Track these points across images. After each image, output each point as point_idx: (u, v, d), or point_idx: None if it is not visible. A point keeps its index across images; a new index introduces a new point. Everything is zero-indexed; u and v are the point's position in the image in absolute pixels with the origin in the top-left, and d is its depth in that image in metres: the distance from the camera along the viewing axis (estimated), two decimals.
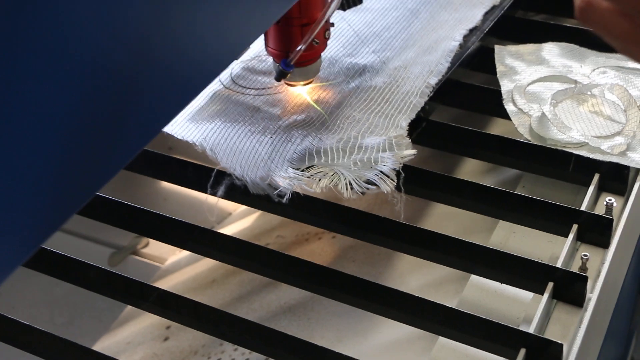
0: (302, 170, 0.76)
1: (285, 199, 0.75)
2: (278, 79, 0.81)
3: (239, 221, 1.13)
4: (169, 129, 0.82)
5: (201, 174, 0.80)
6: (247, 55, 0.92)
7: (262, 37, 0.84)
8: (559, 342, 0.64)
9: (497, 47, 0.96)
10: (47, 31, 0.40)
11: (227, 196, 0.79)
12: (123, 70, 0.45)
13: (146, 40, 0.47)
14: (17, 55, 0.38)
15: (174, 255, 1.14)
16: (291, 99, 0.86)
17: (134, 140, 0.49)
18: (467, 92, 0.91)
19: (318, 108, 0.83)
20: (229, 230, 1.11)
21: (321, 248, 0.98)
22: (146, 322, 1.00)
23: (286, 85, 0.87)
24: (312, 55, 0.82)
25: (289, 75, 0.81)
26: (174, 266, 1.11)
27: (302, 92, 0.86)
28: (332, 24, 0.83)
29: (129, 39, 0.45)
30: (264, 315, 0.92)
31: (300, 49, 0.78)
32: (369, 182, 0.74)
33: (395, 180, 0.75)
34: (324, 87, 0.87)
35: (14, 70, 0.38)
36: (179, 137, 0.82)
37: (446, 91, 0.89)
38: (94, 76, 0.43)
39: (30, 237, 0.42)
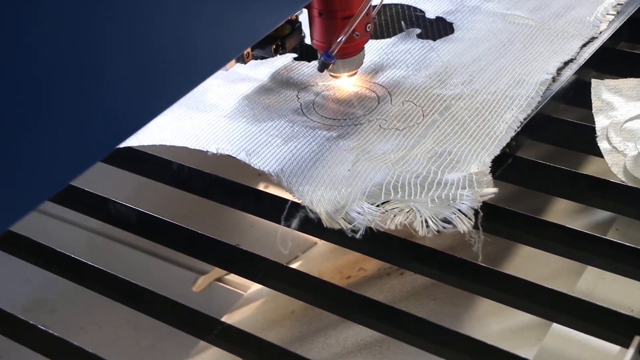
0: (378, 205, 0.74)
1: (359, 234, 0.72)
2: (321, 69, 0.86)
3: (324, 252, 1.11)
4: (247, 159, 0.81)
5: (276, 205, 0.79)
6: (324, 83, 0.90)
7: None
8: None
9: (594, 81, 0.91)
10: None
11: (301, 229, 0.77)
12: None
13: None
14: None
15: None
16: (372, 130, 0.83)
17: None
18: (559, 128, 0.87)
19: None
20: (312, 261, 1.09)
21: (402, 284, 0.95)
22: (223, 351, 0.99)
23: (367, 116, 0.85)
24: (354, 47, 0.86)
25: (331, 65, 0.85)
26: (256, 294, 1.09)
27: (381, 124, 0.84)
28: (375, 18, 0.90)
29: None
30: (339, 351, 0.89)
31: (341, 40, 0.83)
32: (445, 220, 0.71)
33: (474, 220, 0.71)
34: (405, 117, 0.84)
35: None
36: (256, 168, 0.81)
37: (536, 126, 0.85)
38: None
39: None
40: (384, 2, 1.04)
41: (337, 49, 0.83)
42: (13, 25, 0.40)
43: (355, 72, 0.89)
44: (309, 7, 0.84)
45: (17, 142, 0.42)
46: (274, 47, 0.87)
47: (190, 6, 0.51)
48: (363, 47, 0.88)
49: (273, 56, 0.89)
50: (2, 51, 0.40)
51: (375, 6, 0.87)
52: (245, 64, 0.87)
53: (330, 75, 0.89)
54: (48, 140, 0.44)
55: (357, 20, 0.82)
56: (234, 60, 0.86)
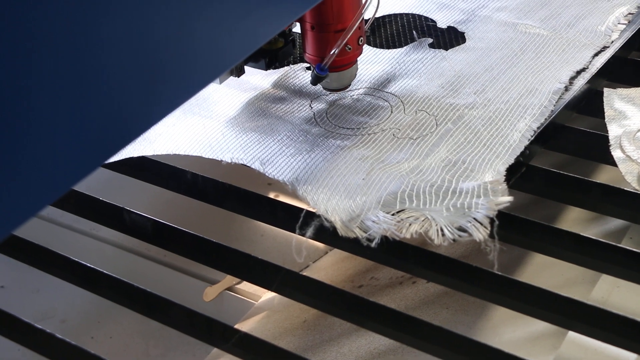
0: (393, 214, 0.74)
1: (374, 243, 0.72)
2: (314, 82, 0.87)
3: (336, 260, 1.11)
4: (261, 168, 0.82)
5: (290, 214, 0.79)
6: (341, 92, 0.91)
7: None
8: None
9: (606, 90, 0.91)
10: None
11: (316, 237, 0.77)
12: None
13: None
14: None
15: (268, 292, 1.13)
16: (385, 139, 0.84)
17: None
18: (572, 137, 0.87)
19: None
20: (323, 270, 1.09)
21: (414, 293, 0.95)
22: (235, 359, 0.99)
23: (381, 126, 0.85)
24: (346, 60, 0.87)
25: (324, 79, 0.86)
26: (267, 304, 1.10)
27: (395, 134, 0.84)
28: (368, 32, 0.90)
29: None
30: None
31: (334, 53, 0.84)
32: (461, 229, 0.71)
33: (489, 228, 0.71)
34: (419, 127, 0.84)
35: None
36: (271, 177, 0.81)
37: (550, 135, 0.85)
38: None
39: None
40: (396, 12, 1.05)
41: (329, 63, 0.84)
42: (15, 30, 0.41)
43: (349, 86, 0.90)
44: (302, 21, 0.85)
45: (18, 147, 0.43)
46: (267, 60, 0.88)
47: (188, 12, 0.51)
48: (356, 61, 0.88)
49: (266, 70, 0.90)
50: (3, 55, 0.40)
51: (367, 20, 0.88)
52: (238, 77, 0.88)
53: (325, 89, 0.90)
54: (49, 145, 0.45)
55: (350, 34, 0.83)
56: (228, 73, 0.87)
